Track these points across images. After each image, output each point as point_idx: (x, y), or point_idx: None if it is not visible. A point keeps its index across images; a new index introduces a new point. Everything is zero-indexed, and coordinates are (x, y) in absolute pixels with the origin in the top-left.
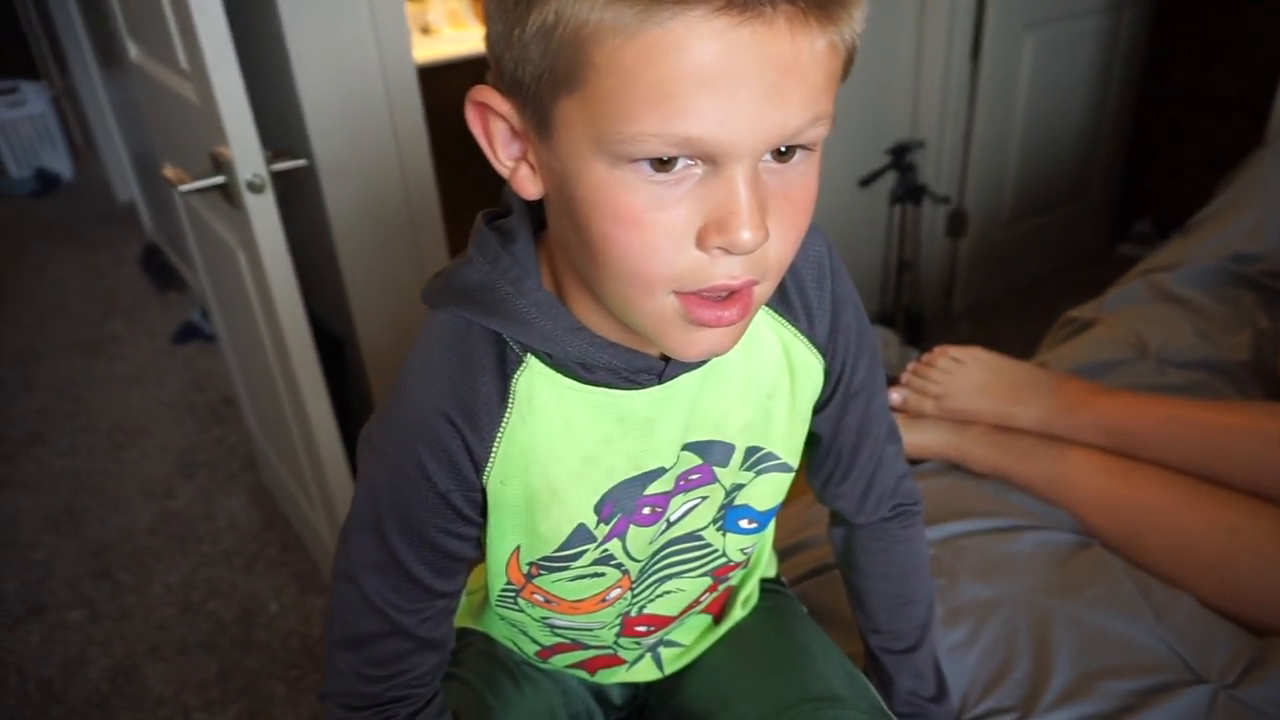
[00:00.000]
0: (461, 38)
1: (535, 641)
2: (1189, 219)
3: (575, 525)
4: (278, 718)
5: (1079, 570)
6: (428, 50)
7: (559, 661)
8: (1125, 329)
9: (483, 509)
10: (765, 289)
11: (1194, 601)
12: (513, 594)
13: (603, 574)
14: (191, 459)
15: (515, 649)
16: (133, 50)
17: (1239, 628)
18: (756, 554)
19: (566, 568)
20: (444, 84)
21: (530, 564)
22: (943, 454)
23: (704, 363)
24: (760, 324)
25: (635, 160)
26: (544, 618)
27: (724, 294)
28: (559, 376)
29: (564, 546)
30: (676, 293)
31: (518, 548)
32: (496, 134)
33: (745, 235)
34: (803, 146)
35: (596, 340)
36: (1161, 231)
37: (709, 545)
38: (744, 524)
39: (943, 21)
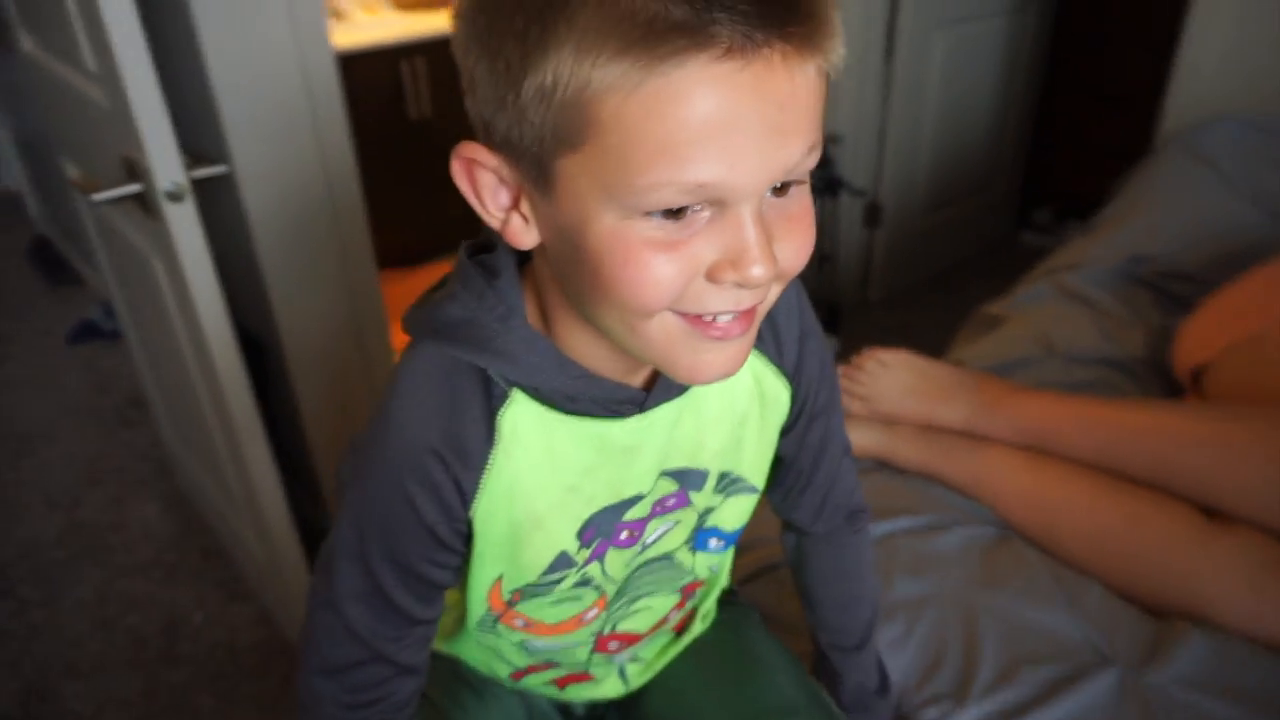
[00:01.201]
0: (374, 23)
1: (509, 664)
2: (1087, 211)
3: (558, 553)
4: None
5: (1001, 563)
6: (342, 37)
7: (530, 682)
8: (1033, 328)
9: (467, 539)
10: (770, 302)
11: (1102, 589)
12: (492, 621)
13: (580, 596)
14: (98, 466)
15: (487, 672)
16: (26, 42)
17: (1142, 611)
18: (720, 570)
19: (548, 593)
20: (359, 72)
21: (512, 592)
22: (872, 453)
23: (684, 391)
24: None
25: (647, 212)
26: (521, 641)
27: (729, 317)
28: (543, 409)
29: (546, 573)
30: (675, 311)
31: (500, 577)
32: (484, 186)
33: (756, 271)
34: (798, 178)
35: (582, 374)
36: (1060, 219)
37: (679, 565)
38: (713, 544)
39: (857, 23)
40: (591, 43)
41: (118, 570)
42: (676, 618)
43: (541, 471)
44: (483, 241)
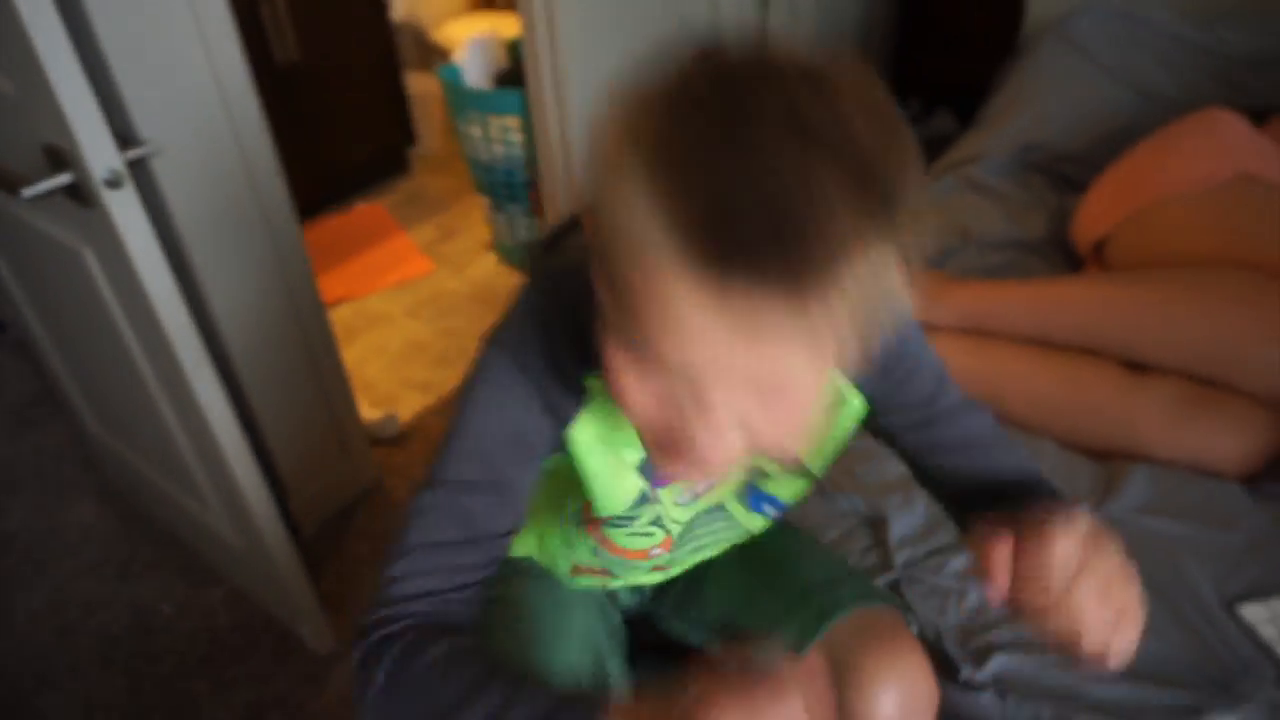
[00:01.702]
0: None
1: (573, 561)
2: (956, 100)
3: (639, 492)
4: (207, 715)
5: None
6: None
7: (584, 581)
8: (950, 219)
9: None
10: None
11: (1054, 445)
12: (578, 523)
13: (652, 534)
14: (12, 472)
15: (546, 564)
16: None
17: (1089, 458)
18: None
19: (628, 525)
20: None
21: (598, 518)
22: None
23: None
24: None
25: (633, 344)
26: (594, 547)
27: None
28: None
29: (631, 508)
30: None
31: (587, 503)
32: None
33: (703, 448)
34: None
35: None
36: (929, 109)
37: (733, 517)
38: (767, 509)
39: None
40: (626, 202)
41: (67, 574)
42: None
43: (607, 423)
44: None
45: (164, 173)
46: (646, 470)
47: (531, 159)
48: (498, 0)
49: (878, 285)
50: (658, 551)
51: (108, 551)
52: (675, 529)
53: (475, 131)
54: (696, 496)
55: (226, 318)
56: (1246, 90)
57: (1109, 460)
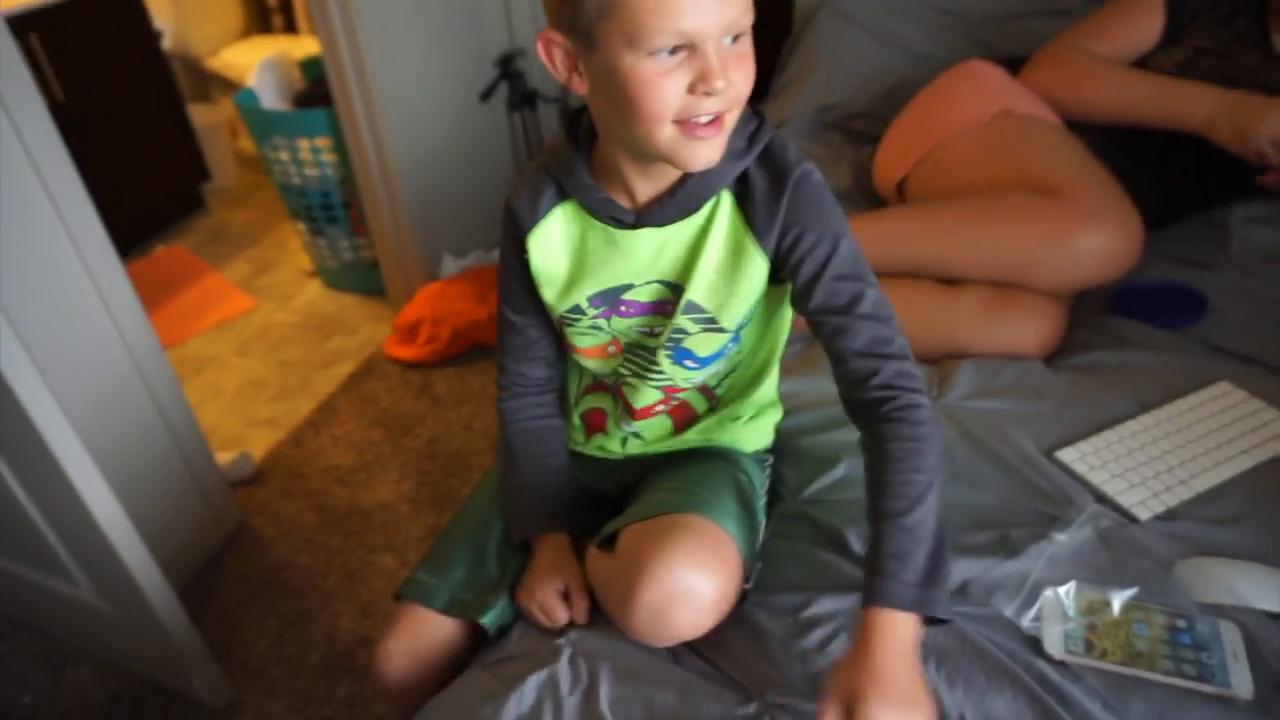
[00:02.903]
0: None
1: (575, 389)
2: (767, 83)
3: (572, 304)
4: None
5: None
6: None
7: (587, 403)
8: None
9: (530, 279)
10: (733, 116)
11: None
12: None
13: (597, 333)
14: None
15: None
16: None
17: (921, 362)
18: (724, 407)
19: (574, 325)
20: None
21: (557, 319)
22: None
23: (663, 224)
24: (721, 217)
25: (654, 52)
26: (578, 360)
27: (708, 119)
28: (581, 212)
29: (567, 313)
30: (675, 122)
31: (551, 307)
32: (556, 57)
33: (718, 84)
34: (741, 33)
35: (599, 194)
36: None
37: (660, 368)
38: (688, 364)
39: None
40: None
41: None
42: (664, 410)
43: (568, 247)
44: (574, 117)
45: None
46: (596, 301)
47: (347, 178)
48: (274, 23)
49: None
50: (612, 350)
51: None
52: (622, 338)
53: (283, 156)
54: (625, 315)
55: (57, 373)
56: (994, 45)
57: (939, 362)
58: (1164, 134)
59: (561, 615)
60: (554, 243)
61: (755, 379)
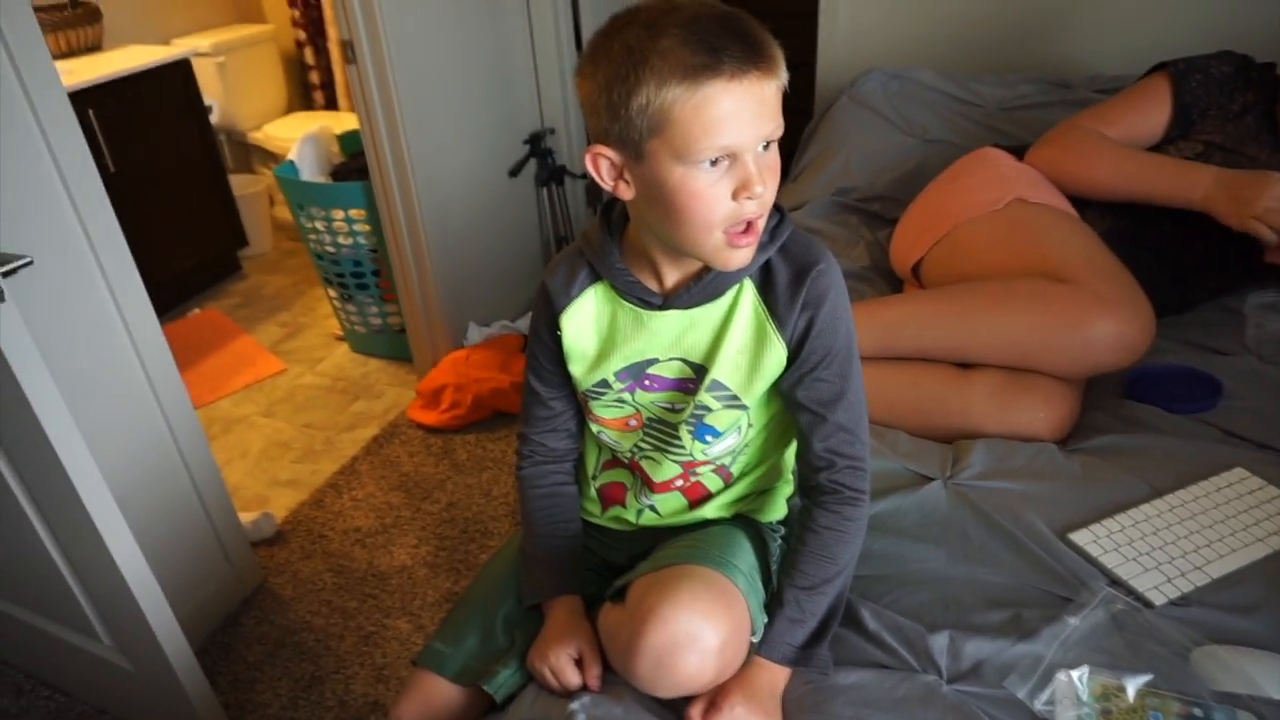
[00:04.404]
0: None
1: (593, 462)
2: (787, 165)
3: (599, 379)
4: None
5: None
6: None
7: (601, 480)
8: None
9: (560, 355)
10: (763, 220)
11: (906, 435)
12: (582, 415)
13: (621, 406)
14: None
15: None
16: None
17: (936, 443)
18: (739, 483)
19: (600, 399)
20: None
21: (581, 393)
22: None
23: (689, 307)
24: (745, 303)
25: (699, 163)
26: (598, 431)
27: (744, 227)
28: (612, 293)
29: (593, 387)
30: (723, 231)
31: (577, 381)
32: (603, 168)
33: (758, 189)
34: (772, 140)
35: (630, 277)
36: None
37: (681, 439)
38: (709, 439)
39: (548, 20)
40: (664, 79)
41: None
42: (682, 484)
43: (597, 326)
44: (607, 205)
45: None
46: (622, 375)
47: (379, 247)
48: (315, 99)
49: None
50: (634, 424)
51: None
52: (644, 412)
53: (319, 225)
54: (649, 389)
55: (91, 425)
56: (1003, 132)
57: (952, 442)
58: (1173, 223)
59: (573, 679)
60: (585, 321)
61: (767, 456)
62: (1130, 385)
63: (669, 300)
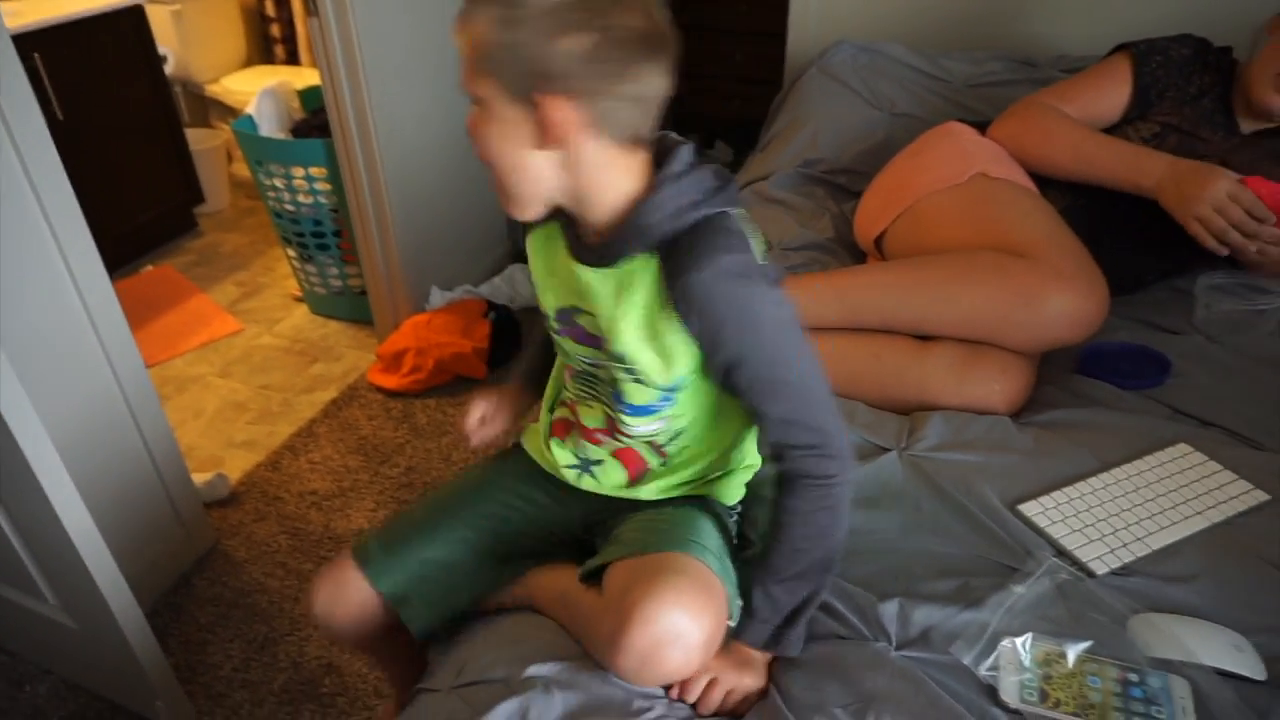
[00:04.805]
0: None
1: (552, 397)
2: (729, 133)
3: (547, 310)
4: None
5: None
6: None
7: (558, 413)
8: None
9: None
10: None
11: (864, 407)
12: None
13: (560, 345)
14: None
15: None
16: None
17: (894, 414)
18: (683, 469)
19: (549, 327)
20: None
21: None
22: None
23: (592, 266)
24: (642, 283)
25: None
26: (561, 357)
27: None
28: (561, 230)
29: (550, 316)
30: None
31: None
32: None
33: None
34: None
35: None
36: (708, 142)
37: (606, 401)
38: (622, 408)
39: None
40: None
41: None
42: (611, 443)
43: (545, 256)
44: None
45: None
46: (560, 316)
47: (340, 207)
48: (276, 54)
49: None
50: (572, 367)
51: None
52: (575, 363)
53: (278, 183)
54: (578, 340)
55: (38, 383)
56: (970, 108)
57: (910, 413)
58: (1130, 204)
59: (472, 420)
60: (537, 247)
61: (712, 446)
62: (1082, 361)
63: (579, 252)
